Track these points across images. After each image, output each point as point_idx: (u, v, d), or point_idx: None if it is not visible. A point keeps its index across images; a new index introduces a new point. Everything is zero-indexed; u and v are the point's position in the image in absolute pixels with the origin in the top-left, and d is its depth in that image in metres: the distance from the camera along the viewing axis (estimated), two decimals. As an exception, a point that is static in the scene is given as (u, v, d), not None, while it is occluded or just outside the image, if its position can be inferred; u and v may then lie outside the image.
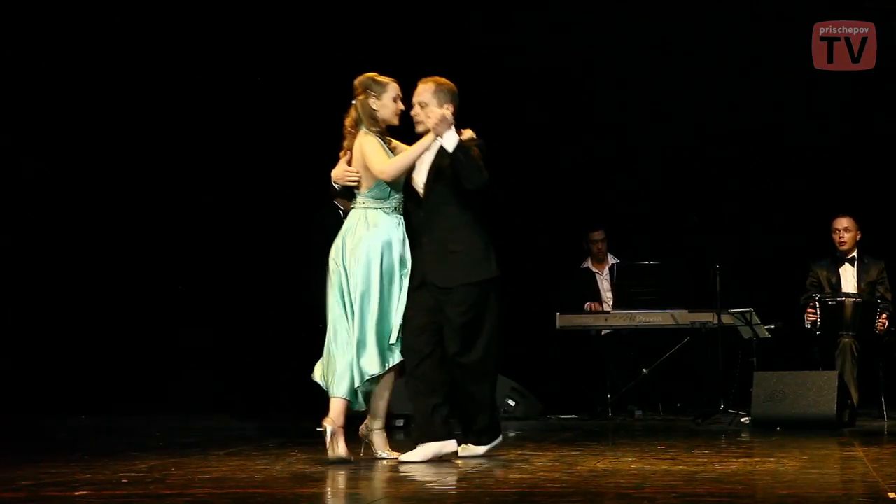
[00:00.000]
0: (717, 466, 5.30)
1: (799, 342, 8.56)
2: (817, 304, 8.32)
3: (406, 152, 5.76)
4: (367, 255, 5.67)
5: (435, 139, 5.70)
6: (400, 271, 5.73)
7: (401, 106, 5.86)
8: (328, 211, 8.40)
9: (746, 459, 5.65)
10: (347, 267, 5.69)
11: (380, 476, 5.15)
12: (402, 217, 5.81)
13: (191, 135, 9.59)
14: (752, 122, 9.76)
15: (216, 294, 9.70)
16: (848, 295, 8.41)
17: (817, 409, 7.52)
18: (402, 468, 5.42)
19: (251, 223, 9.65)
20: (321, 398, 8.25)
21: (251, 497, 4.43)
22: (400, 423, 8.08)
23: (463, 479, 5.02)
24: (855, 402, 7.96)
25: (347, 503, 4.51)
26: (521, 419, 8.70)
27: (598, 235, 9.53)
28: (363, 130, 5.81)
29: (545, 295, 9.55)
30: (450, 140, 5.67)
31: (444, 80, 5.89)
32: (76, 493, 4.52)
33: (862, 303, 8.32)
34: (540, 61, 9.63)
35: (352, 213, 5.84)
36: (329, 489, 4.77)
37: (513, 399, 8.83)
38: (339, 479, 5.07)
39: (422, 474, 5.16)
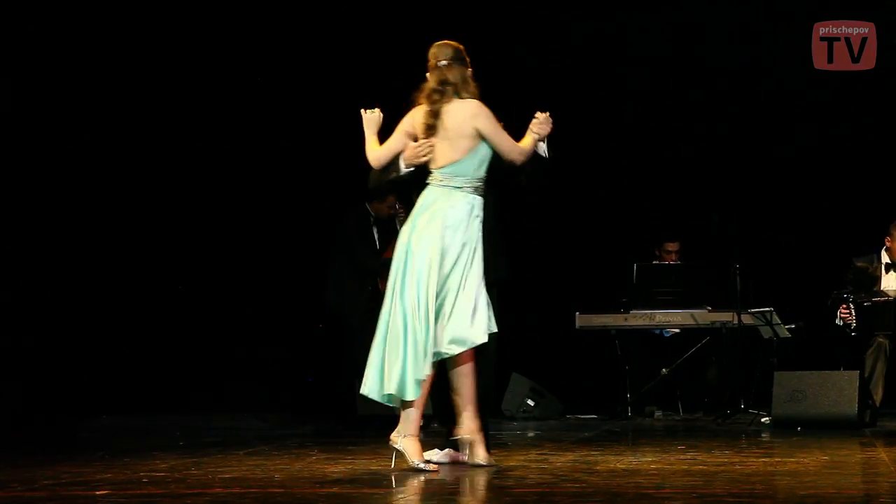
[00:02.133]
0: (737, 467, 5.28)
1: (820, 342, 8.53)
2: (851, 306, 8.28)
3: (526, 141, 5.40)
4: (439, 237, 5.19)
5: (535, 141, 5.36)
6: (471, 255, 5.22)
7: None
8: (350, 219, 8.43)
9: (767, 460, 5.64)
10: (415, 249, 5.20)
11: (400, 476, 5.14)
12: (480, 198, 5.29)
13: (211, 137, 9.64)
14: (753, 122, 9.76)
15: (229, 294, 9.76)
16: (884, 294, 8.38)
17: (838, 409, 7.50)
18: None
19: (267, 224, 9.72)
20: (337, 398, 8.32)
21: (271, 497, 4.44)
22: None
23: (481, 479, 5.02)
24: (878, 402, 7.93)
25: (369, 503, 4.51)
26: (540, 419, 8.70)
27: (672, 246, 9.44)
28: (463, 97, 5.31)
29: (566, 294, 9.54)
30: (543, 145, 5.40)
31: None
32: (97, 493, 4.53)
33: None
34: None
35: (430, 190, 5.30)
36: (349, 489, 4.78)
37: (532, 399, 8.83)
38: (359, 479, 5.08)
39: (441, 474, 5.16)
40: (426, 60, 5.42)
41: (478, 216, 5.27)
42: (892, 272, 8.57)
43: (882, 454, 5.86)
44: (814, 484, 4.67)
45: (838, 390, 7.54)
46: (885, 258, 8.61)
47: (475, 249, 5.25)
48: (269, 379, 9.81)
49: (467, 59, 5.41)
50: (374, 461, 5.73)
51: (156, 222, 9.60)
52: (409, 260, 5.21)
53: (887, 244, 8.59)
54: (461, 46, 5.43)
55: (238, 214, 9.77)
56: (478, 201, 5.27)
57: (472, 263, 5.23)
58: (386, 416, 7.95)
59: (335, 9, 9.64)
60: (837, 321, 8.37)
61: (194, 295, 9.75)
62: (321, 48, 9.69)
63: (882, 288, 8.51)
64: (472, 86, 5.36)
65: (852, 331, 8.30)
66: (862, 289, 8.44)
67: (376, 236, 8.47)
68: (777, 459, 5.63)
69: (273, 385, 9.82)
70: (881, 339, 8.21)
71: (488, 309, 5.28)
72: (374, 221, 8.44)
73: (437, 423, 5.98)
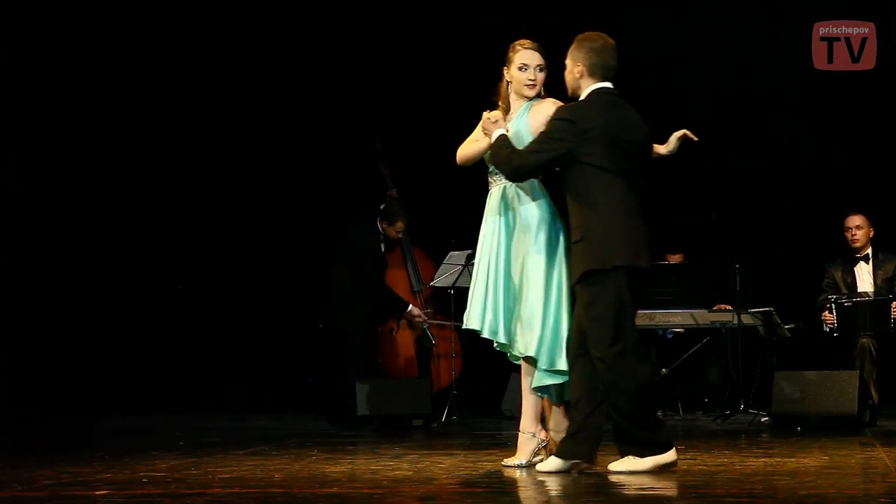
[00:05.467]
0: (737, 466, 5.28)
1: (820, 342, 8.53)
2: (833, 307, 8.30)
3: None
4: None
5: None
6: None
7: (530, 76, 5.44)
8: (364, 234, 8.46)
9: (766, 459, 5.64)
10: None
11: (409, 474, 5.14)
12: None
13: (211, 138, 9.66)
14: (752, 121, 9.76)
15: (229, 294, 9.76)
16: (862, 295, 8.39)
17: (838, 409, 7.49)
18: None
19: (267, 224, 9.73)
20: (333, 398, 8.33)
21: (271, 497, 4.44)
22: (417, 422, 8.08)
23: (481, 479, 5.02)
24: (875, 402, 7.93)
25: (369, 503, 4.51)
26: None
27: (674, 258, 9.43)
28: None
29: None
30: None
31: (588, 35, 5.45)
32: (97, 493, 4.53)
33: (875, 301, 8.29)
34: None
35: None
36: (349, 489, 4.78)
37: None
38: (359, 479, 5.08)
39: (437, 472, 5.15)
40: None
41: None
42: (860, 263, 8.57)
43: (882, 454, 5.86)
44: (814, 484, 4.67)
45: (838, 390, 7.54)
46: (852, 253, 8.60)
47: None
48: (269, 379, 9.81)
49: (515, 50, 5.50)
50: (374, 461, 5.73)
51: (155, 222, 9.61)
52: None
53: (847, 237, 8.57)
54: (517, 43, 5.52)
55: (238, 215, 9.78)
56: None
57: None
58: (386, 416, 8.00)
59: (337, 11, 9.65)
60: (825, 328, 8.39)
61: (194, 295, 9.75)
62: (324, 52, 9.70)
63: (858, 283, 8.50)
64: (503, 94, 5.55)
65: (835, 332, 8.31)
66: (839, 292, 8.45)
67: (384, 253, 8.55)
68: (777, 459, 5.63)
69: (273, 385, 9.82)
70: (864, 340, 8.21)
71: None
72: (383, 240, 8.53)
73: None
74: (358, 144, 9.19)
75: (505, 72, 5.49)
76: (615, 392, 5.04)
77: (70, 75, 9.27)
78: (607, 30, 9.95)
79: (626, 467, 5.05)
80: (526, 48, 5.46)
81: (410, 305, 8.51)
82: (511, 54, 5.47)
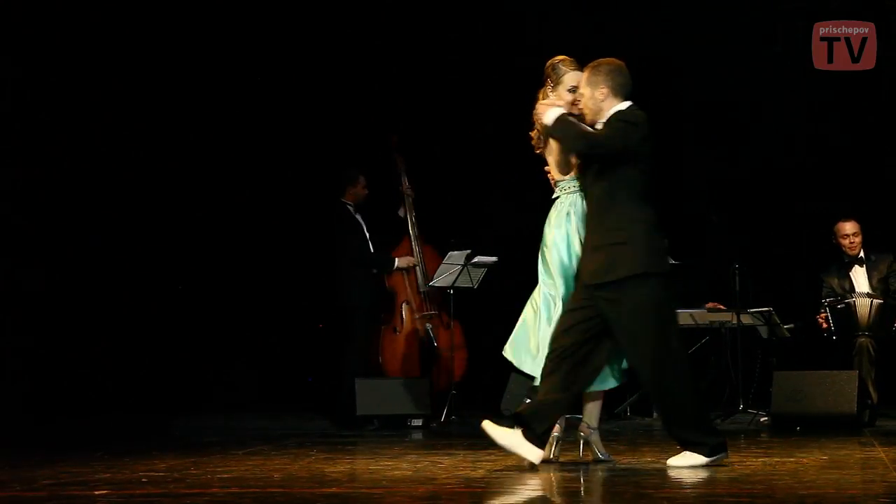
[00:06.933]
0: (736, 466, 5.29)
1: (819, 342, 8.54)
2: (827, 310, 8.29)
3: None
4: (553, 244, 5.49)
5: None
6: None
7: (577, 96, 5.47)
8: (335, 218, 8.45)
9: (766, 459, 5.64)
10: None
11: (408, 474, 5.15)
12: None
13: (210, 137, 9.66)
14: (752, 121, 9.77)
15: (229, 295, 9.77)
16: (859, 295, 8.36)
17: (837, 409, 7.50)
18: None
19: (265, 225, 9.73)
20: (334, 397, 8.32)
21: (270, 497, 4.44)
22: (417, 422, 8.08)
23: (481, 478, 5.02)
24: (874, 401, 7.93)
25: (368, 503, 4.51)
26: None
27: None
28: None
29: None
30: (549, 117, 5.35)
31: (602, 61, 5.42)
32: (96, 493, 4.54)
33: (876, 304, 8.27)
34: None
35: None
36: (348, 489, 4.78)
37: (532, 399, 8.83)
38: (358, 479, 5.08)
39: (437, 472, 5.16)
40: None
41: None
42: (854, 267, 8.54)
43: (881, 454, 5.86)
44: (813, 484, 4.67)
45: (837, 390, 7.55)
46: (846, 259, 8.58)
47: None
48: (269, 379, 9.81)
49: (547, 74, 5.56)
50: (374, 461, 5.73)
51: (155, 222, 9.60)
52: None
53: (844, 243, 8.54)
54: (560, 60, 5.56)
55: (237, 216, 9.77)
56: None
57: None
58: (385, 416, 8.00)
59: (353, 4, 9.66)
60: (823, 331, 8.41)
61: (194, 295, 9.75)
62: (340, 46, 9.70)
63: (856, 287, 8.49)
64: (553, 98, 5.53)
65: (833, 335, 8.31)
66: (837, 297, 8.44)
67: (362, 223, 8.48)
68: (776, 459, 5.63)
69: (273, 385, 9.82)
70: (862, 340, 8.21)
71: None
72: (356, 210, 8.48)
73: None
74: (373, 137, 9.17)
75: (550, 91, 5.54)
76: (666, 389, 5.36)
77: (71, 75, 9.26)
78: (606, 30, 10.00)
79: (686, 462, 5.23)
80: (574, 70, 5.53)
81: (396, 259, 8.52)
82: (555, 75, 5.53)
